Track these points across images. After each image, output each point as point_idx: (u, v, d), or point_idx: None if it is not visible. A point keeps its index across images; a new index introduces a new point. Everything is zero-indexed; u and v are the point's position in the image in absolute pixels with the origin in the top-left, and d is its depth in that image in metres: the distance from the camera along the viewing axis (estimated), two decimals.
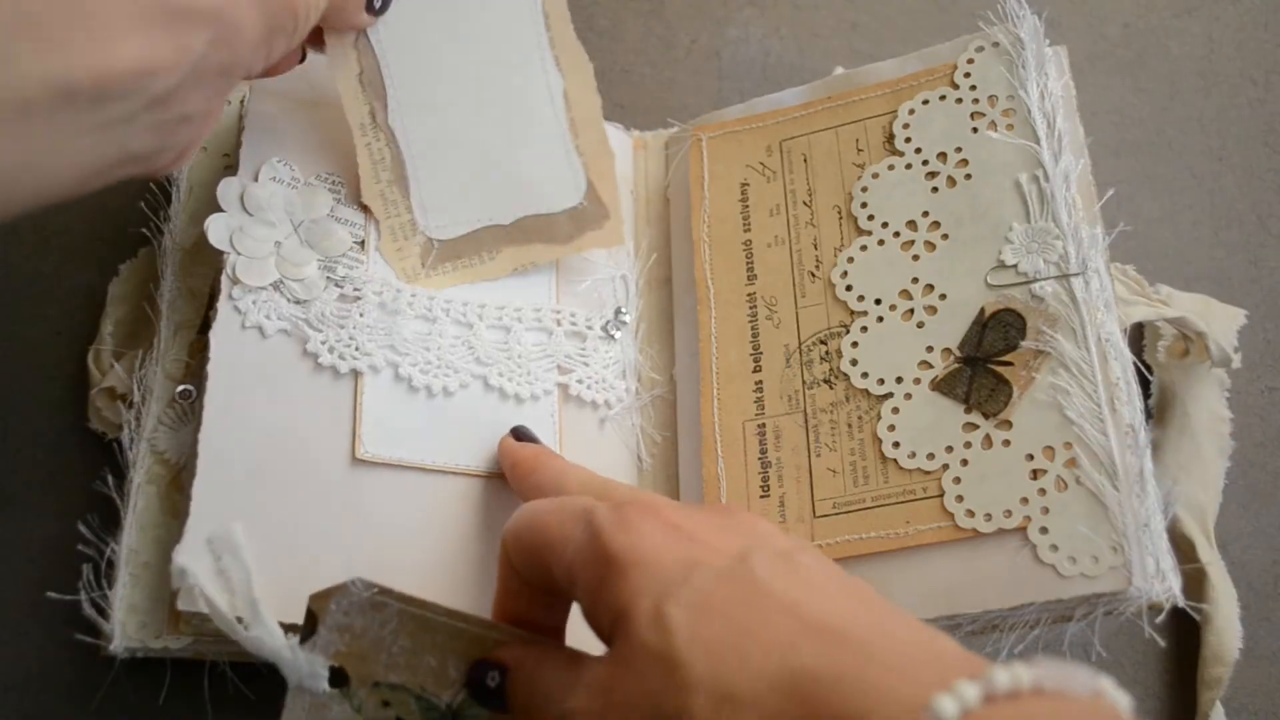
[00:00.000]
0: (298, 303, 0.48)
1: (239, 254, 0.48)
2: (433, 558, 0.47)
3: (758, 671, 0.28)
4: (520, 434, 0.49)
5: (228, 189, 0.49)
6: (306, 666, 0.38)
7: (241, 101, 0.52)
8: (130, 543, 0.45)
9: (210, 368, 0.46)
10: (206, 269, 0.51)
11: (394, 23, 0.50)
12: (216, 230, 0.48)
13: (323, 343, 0.48)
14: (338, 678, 0.38)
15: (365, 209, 0.51)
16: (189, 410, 0.48)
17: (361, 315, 0.49)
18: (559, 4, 0.52)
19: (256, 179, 0.49)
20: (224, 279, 0.47)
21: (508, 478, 0.48)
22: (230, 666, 0.47)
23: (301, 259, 0.49)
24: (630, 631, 0.31)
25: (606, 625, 0.33)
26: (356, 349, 0.48)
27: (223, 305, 0.47)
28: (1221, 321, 0.54)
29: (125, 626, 0.44)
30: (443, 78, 0.51)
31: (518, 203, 0.52)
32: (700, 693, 0.29)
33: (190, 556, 0.42)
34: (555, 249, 0.52)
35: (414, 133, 0.51)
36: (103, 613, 0.44)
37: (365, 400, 0.48)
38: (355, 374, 0.48)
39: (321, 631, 0.38)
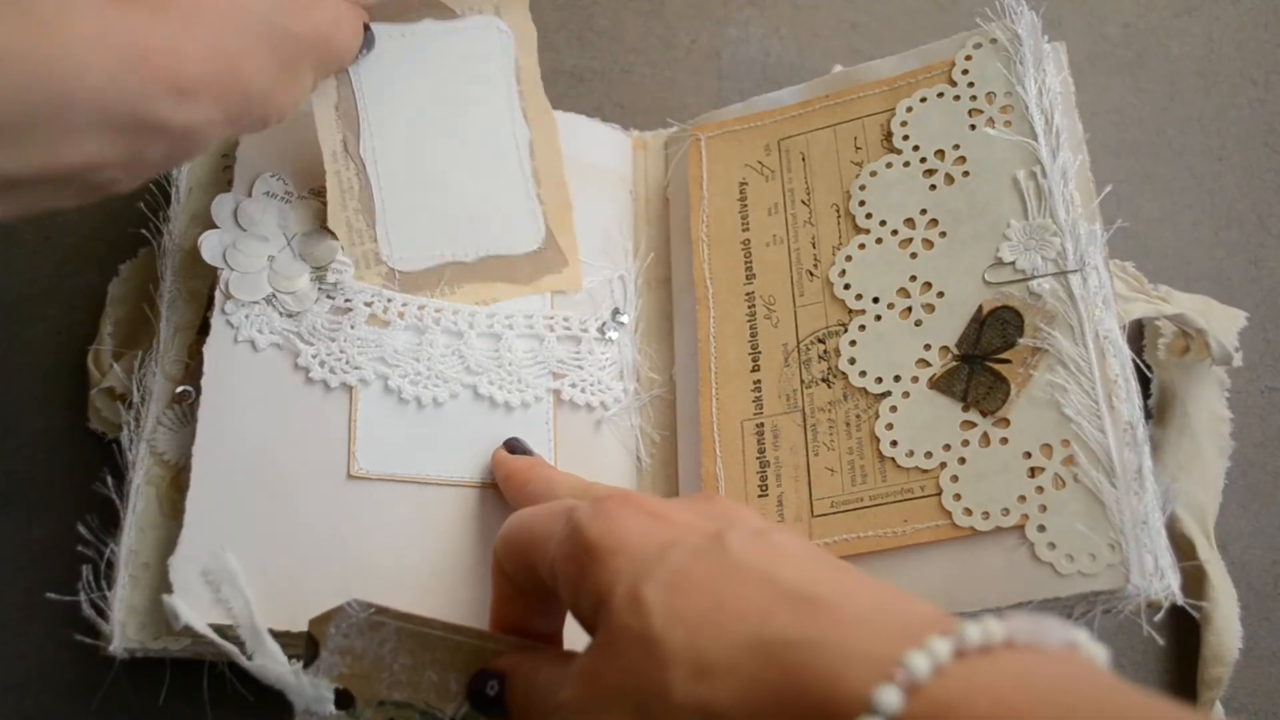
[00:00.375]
0: (290, 316, 0.49)
1: (232, 270, 0.49)
2: (428, 568, 0.47)
3: (732, 640, 0.29)
4: (513, 446, 0.49)
5: (221, 206, 0.50)
6: (312, 691, 0.38)
7: None
8: (130, 544, 0.45)
9: (204, 382, 0.47)
10: (206, 270, 0.51)
11: (373, 58, 0.50)
12: (210, 247, 0.49)
13: (314, 356, 0.48)
14: (343, 700, 0.39)
15: None
16: (188, 412, 0.48)
17: (353, 327, 0.49)
18: (531, 58, 0.54)
19: (250, 193, 0.50)
20: (217, 294, 0.48)
21: (502, 490, 0.48)
22: (230, 667, 0.47)
23: (294, 272, 0.49)
24: (610, 616, 0.31)
25: (589, 614, 0.33)
26: (347, 362, 0.48)
27: (216, 320, 0.48)
28: (1222, 323, 0.54)
29: (125, 627, 0.44)
30: (415, 115, 0.52)
31: (480, 242, 0.53)
32: (678, 666, 0.29)
33: (186, 574, 0.43)
34: (517, 288, 0.53)
35: (383, 165, 0.51)
36: (102, 614, 0.44)
37: (359, 416, 0.48)
38: (347, 388, 0.48)
39: (323, 655, 0.39)
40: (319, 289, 0.49)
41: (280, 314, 0.49)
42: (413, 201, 0.52)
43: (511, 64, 0.54)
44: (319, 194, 0.51)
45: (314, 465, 0.47)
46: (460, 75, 0.53)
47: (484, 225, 0.53)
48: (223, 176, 0.52)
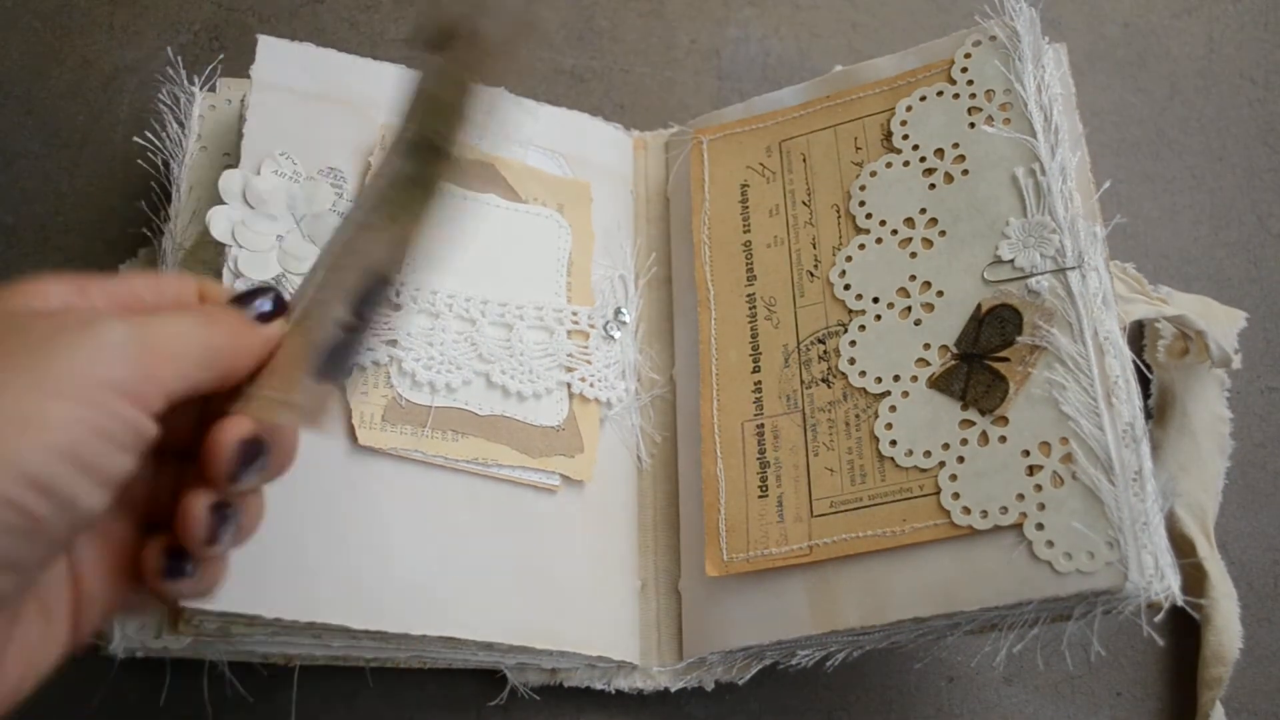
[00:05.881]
0: None
1: (241, 247, 0.48)
2: (432, 551, 0.47)
3: None
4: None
5: (230, 182, 0.48)
6: None
7: (242, 100, 0.52)
8: None
9: None
10: (206, 268, 0.51)
11: None
12: (219, 223, 0.48)
13: None
14: None
15: None
16: None
17: None
18: (585, 255, 0.54)
19: (259, 173, 0.49)
20: (225, 272, 0.47)
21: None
22: (230, 666, 0.47)
23: (304, 253, 0.48)
24: None
25: None
26: None
27: None
28: (1222, 323, 0.54)
29: (125, 627, 0.44)
30: (462, 269, 0.51)
31: (499, 401, 0.51)
32: None
33: None
34: (522, 457, 0.50)
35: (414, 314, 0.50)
36: None
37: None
38: (360, 369, 0.48)
39: None
40: None
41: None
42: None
43: (565, 256, 0.54)
44: (328, 175, 0.50)
45: (322, 443, 0.45)
46: (513, 249, 0.53)
47: (508, 388, 0.51)
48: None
